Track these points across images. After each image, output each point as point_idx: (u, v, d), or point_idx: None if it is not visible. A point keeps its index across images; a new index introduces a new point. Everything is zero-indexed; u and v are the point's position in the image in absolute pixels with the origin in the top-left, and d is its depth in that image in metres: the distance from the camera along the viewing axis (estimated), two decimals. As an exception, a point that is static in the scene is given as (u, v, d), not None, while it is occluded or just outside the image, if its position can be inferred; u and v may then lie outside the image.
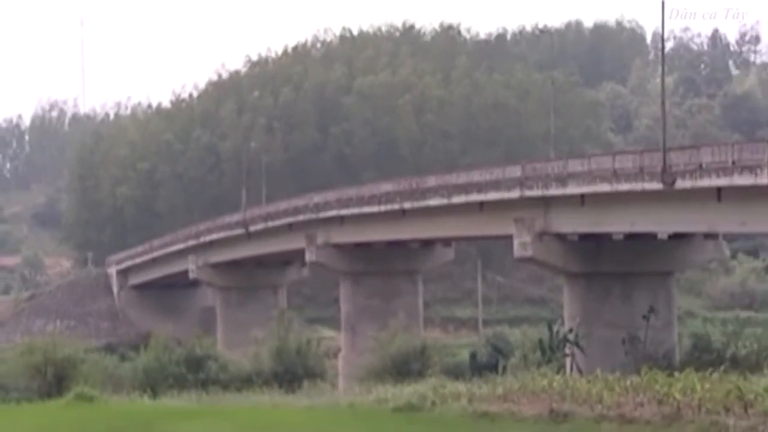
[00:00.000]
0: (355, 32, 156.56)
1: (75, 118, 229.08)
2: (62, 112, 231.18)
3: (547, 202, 59.40)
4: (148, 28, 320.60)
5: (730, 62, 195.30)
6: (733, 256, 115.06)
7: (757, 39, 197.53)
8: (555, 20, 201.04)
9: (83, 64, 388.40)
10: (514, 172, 61.47)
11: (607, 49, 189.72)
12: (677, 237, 59.30)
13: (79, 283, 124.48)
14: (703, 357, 51.53)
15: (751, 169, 46.12)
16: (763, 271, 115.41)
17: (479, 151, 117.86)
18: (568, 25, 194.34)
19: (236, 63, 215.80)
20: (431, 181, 69.44)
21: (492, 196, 62.29)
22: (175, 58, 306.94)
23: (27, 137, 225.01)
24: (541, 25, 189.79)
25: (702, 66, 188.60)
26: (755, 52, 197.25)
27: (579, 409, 24.88)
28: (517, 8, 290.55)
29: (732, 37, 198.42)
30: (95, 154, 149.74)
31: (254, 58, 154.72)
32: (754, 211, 48.48)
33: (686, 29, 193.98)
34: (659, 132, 70.75)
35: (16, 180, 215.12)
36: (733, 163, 47.30)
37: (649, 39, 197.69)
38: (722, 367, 30.98)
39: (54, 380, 44.44)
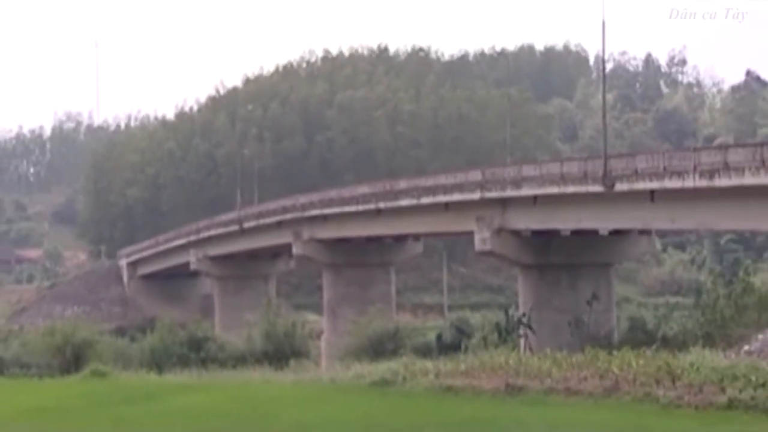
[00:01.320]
0: (336, 53, 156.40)
1: (90, 128, 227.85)
2: (79, 123, 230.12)
3: (504, 203, 59.46)
4: (155, 49, 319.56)
5: (661, 82, 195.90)
6: (664, 250, 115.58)
7: (683, 62, 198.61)
8: (510, 44, 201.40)
9: (98, 80, 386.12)
10: (475, 176, 61.50)
11: (555, 69, 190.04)
12: (616, 233, 59.48)
13: (94, 274, 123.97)
14: (638, 337, 51.65)
15: (680, 174, 46.29)
16: (689, 263, 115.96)
17: (445, 158, 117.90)
18: (522, 48, 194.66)
19: (233, 80, 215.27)
20: (403, 184, 69.39)
21: (456, 197, 62.31)
22: (179, 76, 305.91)
23: (48, 145, 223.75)
24: (498, 48, 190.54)
25: (637, 85, 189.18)
26: (682, 73, 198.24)
27: (531, 383, 24.91)
28: (478, 33, 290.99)
29: (663, 60, 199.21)
30: (108, 160, 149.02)
31: (249, 75, 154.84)
32: (682, 211, 48.68)
33: (624, 53, 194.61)
34: (601, 141, 70.88)
35: (39, 183, 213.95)
36: (664, 168, 47.44)
37: (591, 61, 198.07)
38: (654, 346, 31.03)
39: (72, 358, 44.24)
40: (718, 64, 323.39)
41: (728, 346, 31.60)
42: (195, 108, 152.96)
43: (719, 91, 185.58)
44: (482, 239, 59.93)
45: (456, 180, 63.14)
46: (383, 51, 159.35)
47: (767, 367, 23.81)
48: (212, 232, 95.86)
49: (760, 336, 31.44)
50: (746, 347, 30.32)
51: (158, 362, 45.13)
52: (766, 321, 36.79)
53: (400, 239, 78.17)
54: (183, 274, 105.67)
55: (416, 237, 78.57)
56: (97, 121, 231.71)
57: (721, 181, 44.13)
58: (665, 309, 78.71)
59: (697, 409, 21.75)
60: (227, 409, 23.83)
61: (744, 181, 42.97)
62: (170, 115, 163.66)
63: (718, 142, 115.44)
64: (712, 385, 22.93)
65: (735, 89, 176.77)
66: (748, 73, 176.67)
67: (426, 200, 65.16)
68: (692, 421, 20.67)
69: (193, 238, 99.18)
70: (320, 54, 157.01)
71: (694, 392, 22.69)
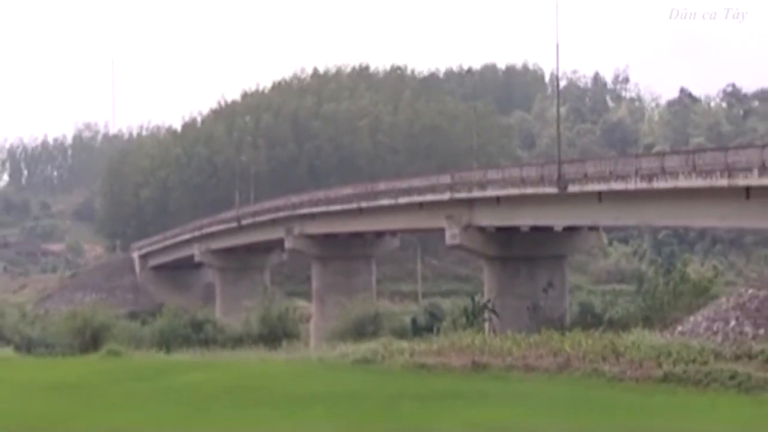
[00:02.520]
0: (323, 71, 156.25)
1: (106, 137, 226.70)
2: (96, 132, 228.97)
3: (471, 203, 59.57)
4: (165, 67, 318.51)
5: (607, 97, 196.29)
6: (610, 244, 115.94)
7: (627, 79, 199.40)
8: (476, 63, 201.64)
9: (113, 94, 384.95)
10: (446, 179, 61.57)
11: (515, 86, 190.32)
12: (569, 229, 59.68)
13: (110, 265, 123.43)
14: (587, 320, 51.82)
15: (624, 177, 46.50)
16: (631, 255, 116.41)
17: (419, 163, 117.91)
18: (486, 67, 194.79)
19: (232, 94, 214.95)
20: (382, 186, 69.39)
21: (429, 197, 62.37)
22: (185, 90, 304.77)
23: (69, 152, 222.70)
24: (465, 67, 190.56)
25: (587, 99, 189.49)
26: (626, 89, 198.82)
27: (494, 361, 24.99)
28: (448, 53, 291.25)
29: (609, 77, 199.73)
30: (122, 165, 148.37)
31: (246, 90, 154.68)
32: (625, 210, 48.91)
33: (575, 71, 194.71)
34: (555, 149, 71.03)
35: (62, 185, 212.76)
36: (610, 173, 47.62)
37: (547, 78, 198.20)
38: (601, 328, 31.19)
39: (90, 339, 44.09)
40: (656, 82, 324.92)
41: (664, 328, 31.78)
42: (199, 119, 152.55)
43: (657, 105, 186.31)
44: (452, 234, 60.03)
45: (429, 182, 63.20)
46: (365, 69, 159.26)
47: (697, 345, 23.98)
48: (214, 228, 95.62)
49: (692, 318, 31.62)
50: (680, 328, 30.50)
51: (166, 343, 45.01)
52: (698, 305, 36.98)
53: (379, 235, 78.20)
54: (188, 265, 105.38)
55: (394, 233, 78.62)
56: (113, 131, 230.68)
57: (659, 184, 44.36)
58: (611, 295, 78.77)
59: (638, 382, 21.89)
60: (227, 383, 23.83)
61: (678, 183, 43.22)
62: (177, 125, 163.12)
63: (656, 150, 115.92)
64: (650, 360, 23.07)
65: (670, 104, 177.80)
66: (682, 90, 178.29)
67: (402, 200, 65.20)
68: (633, 392, 20.80)
69: (197, 233, 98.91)
70: (309, 71, 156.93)
71: (635, 367, 22.83)
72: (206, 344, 43.88)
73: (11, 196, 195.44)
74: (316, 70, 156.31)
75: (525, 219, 57.15)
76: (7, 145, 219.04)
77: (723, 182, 40.72)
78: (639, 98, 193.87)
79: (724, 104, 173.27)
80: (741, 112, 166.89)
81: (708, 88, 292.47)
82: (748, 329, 28.60)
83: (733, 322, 29.47)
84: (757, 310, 29.65)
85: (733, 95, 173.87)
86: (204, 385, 23.61)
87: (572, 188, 50.07)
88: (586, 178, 49.27)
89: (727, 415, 17.92)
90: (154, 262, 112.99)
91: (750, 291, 31.33)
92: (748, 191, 40.48)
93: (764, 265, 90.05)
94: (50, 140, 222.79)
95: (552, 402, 19.56)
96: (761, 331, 27.92)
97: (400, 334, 44.35)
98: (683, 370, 22.07)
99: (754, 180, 39.42)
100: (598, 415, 18.06)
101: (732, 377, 21.28)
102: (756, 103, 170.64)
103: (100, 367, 29.45)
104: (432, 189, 61.99)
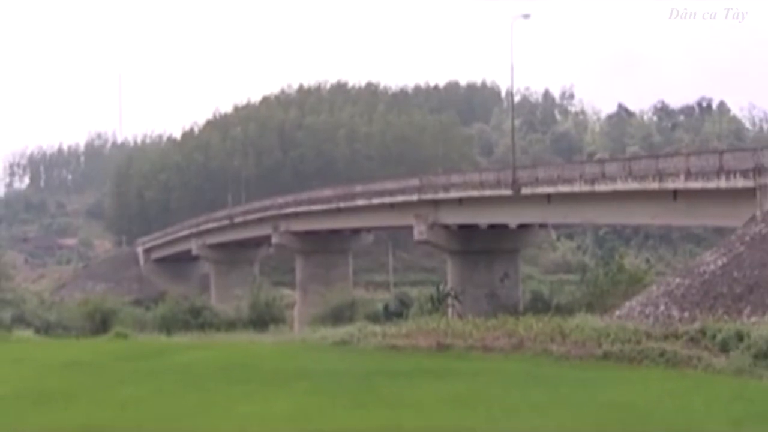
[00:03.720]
0: (306, 86, 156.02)
1: (114, 144, 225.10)
2: (106, 140, 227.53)
3: (436, 203, 59.74)
4: (167, 81, 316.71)
5: (556, 111, 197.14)
6: (558, 239, 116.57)
7: (572, 95, 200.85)
8: (441, 80, 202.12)
9: (120, 106, 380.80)
10: (414, 182, 61.72)
11: (476, 100, 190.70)
12: (522, 226, 60.00)
13: (117, 258, 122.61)
14: (538, 306, 52.15)
15: (570, 181, 46.82)
16: (576, 249, 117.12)
17: (391, 168, 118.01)
18: (450, 83, 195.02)
19: (226, 107, 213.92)
20: (358, 188, 69.44)
21: (399, 198, 62.49)
22: (184, 103, 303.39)
23: (82, 158, 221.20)
24: (432, 83, 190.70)
25: (538, 113, 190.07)
26: (571, 104, 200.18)
27: (457, 342, 25.11)
28: (417, 71, 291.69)
29: (557, 93, 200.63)
30: (128, 169, 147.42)
31: (238, 104, 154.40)
32: (571, 209, 49.24)
33: (527, 88, 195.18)
34: (510, 156, 71.36)
35: (75, 187, 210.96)
36: (558, 177, 47.93)
37: (503, 94, 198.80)
38: (550, 313, 31.37)
39: (101, 323, 43.81)
40: (598, 98, 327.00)
41: (604, 312, 32.02)
42: (196, 129, 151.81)
43: (598, 118, 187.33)
44: (420, 231, 60.16)
45: (399, 185, 63.33)
46: (343, 85, 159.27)
47: (632, 327, 24.21)
48: (209, 226, 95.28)
49: (628, 304, 31.91)
50: (617, 313, 30.76)
51: (167, 327, 44.82)
52: (633, 293, 37.30)
53: (355, 231, 78.26)
54: (186, 258, 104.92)
55: (368, 229, 78.68)
56: (120, 139, 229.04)
57: (600, 187, 44.71)
58: (558, 284, 79.37)
59: (581, 360, 22.09)
60: (222, 362, 23.82)
61: (617, 187, 43.58)
62: (177, 134, 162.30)
63: (597, 157, 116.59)
64: (592, 341, 23.26)
65: (610, 117, 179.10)
66: (619, 105, 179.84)
67: (376, 201, 65.28)
68: (577, 369, 21.01)
69: (194, 230, 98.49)
70: (294, 87, 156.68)
71: (579, 347, 23.01)
72: (203, 328, 43.73)
73: (31, 196, 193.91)
74: (301, 86, 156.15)
75: (484, 218, 57.40)
76: (28, 152, 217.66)
77: (654, 185, 41.13)
78: (583, 112, 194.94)
79: (655, 118, 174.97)
80: (669, 125, 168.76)
81: (642, 103, 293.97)
82: (675, 313, 28.92)
83: (662, 307, 29.78)
84: (682, 297, 29.98)
85: (663, 110, 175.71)
86: (200, 363, 23.59)
87: (525, 191, 50.36)
88: (537, 181, 49.56)
89: (656, 386, 18.25)
90: (156, 255, 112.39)
91: (677, 280, 31.67)
92: (675, 193, 40.89)
93: (689, 257, 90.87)
94: (65, 147, 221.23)
95: (507, 377, 19.73)
96: (686, 314, 28.23)
97: (374, 319, 44.41)
98: (620, 349, 22.28)
99: (680, 184, 39.87)
100: (546, 387, 18.26)
101: (661, 354, 21.55)
102: (682, 117, 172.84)
103: (109, 348, 29.32)
104: (402, 191, 62.11)
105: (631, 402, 16.62)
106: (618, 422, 15.24)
